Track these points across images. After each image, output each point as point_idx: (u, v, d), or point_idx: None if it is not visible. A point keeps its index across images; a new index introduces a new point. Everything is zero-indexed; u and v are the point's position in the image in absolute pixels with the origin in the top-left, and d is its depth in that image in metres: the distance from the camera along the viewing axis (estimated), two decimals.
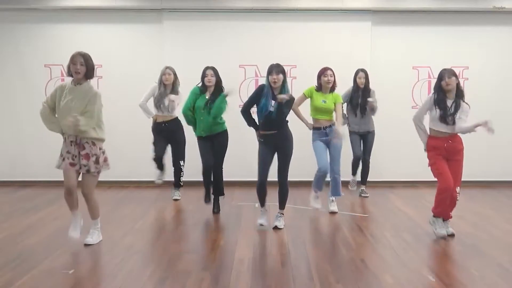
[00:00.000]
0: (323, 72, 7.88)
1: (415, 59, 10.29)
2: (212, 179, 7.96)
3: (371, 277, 5.29)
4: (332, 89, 7.91)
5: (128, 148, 10.18)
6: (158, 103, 8.67)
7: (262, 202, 7.19)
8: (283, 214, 7.23)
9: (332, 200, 8.12)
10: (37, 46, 10.32)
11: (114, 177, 10.06)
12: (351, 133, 9.20)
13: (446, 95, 6.56)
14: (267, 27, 10.37)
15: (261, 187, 7.07)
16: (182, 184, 9.00)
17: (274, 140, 6.98)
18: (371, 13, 10.30)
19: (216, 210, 8.02)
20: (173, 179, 8.97)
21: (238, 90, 10.04)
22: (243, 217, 7.77)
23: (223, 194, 8.16)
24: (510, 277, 5.27)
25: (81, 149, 6.03)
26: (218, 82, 7.81)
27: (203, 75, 7.79)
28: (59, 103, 5.99)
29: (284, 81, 6.95)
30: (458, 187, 6.67)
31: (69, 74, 6.01)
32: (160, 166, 8.83)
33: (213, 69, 7.82)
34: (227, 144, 7.94)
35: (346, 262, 5.76)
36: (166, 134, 8.75)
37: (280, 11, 10.35)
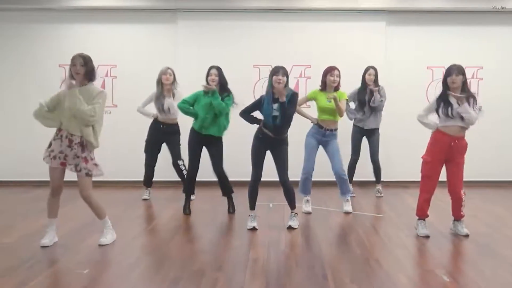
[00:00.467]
0: (329, 71, 7.81)
1: (429, 59, 10.25)
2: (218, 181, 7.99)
3: (385, 277, 5.27)
4: (336, 89, 7.84)
5: (142, 149, 10.20)
6: (157, 105, 8.65)
7: (253, 204, 7.17)
8: (296, 213, 7.21)
9: (347, 199, 8.08)
10: (51, 46, 10.39)
11: (128, 177, 10.18)
12: (355, 130, 9.20)
13: (451, 92, 6.56)
14: (281, 27, 10.39)
15: (255, 185, 7.06)
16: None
17: (271, 141, 6.96)
18: (385, 13, 10.30)
19: (232, 210, 8.02)
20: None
21: (253, 90, 10.07)
22: (257, 218, 7.65)
23: (233, 192, 8.11)
24: None
25: (82, 152, 6.01)
26: (223, 83, 7.67)
27: (207, 74, 7.69)
28: (63, 104, 5.98)
29: (286, 85, 6.78)
30: (463, 190, 6.68)
31: (71, 76, 6.01)
32: (149, 178, 9.08)
33: (218, 69, 7.71)
34: (222, 150, 7.84)
35: (360, 262, 5.75)
36: (161, 136, 8.86)
37: (294, 11, 10.37)
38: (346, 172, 8.15)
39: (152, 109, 8.87)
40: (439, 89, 10.09)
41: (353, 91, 9.02)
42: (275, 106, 6.75)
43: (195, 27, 10.39)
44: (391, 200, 8.97)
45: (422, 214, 6.79)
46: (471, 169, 9.85)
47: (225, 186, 8.02)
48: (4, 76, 10.55)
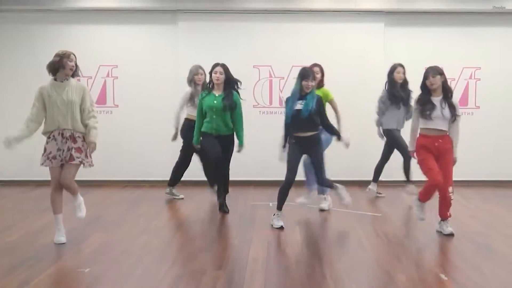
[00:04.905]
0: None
1: (427, 59, 10.00)
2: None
3: (384, 276, 5.32)
4: (320, 86, 7.83)
5: (143, 148, 10.29)
6: (190, 102, 8.53)
7: (281, 205, 7.15)
8: (328, 196, 7.72)
9: (325, 198, 8.07)
10: (53, 47, 10.23)
11: (130, 177, 10.25)
12: (389, 131, 8.91)
13: (432, 94, 6.57)
14: (281, 28, 10.43)
15: (287, 187, 7.04)
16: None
17: (305, 144, 7.06)
18: (384, 14, 10.34)
19: (227, 209, 7.92)
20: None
21: (253, 90, 10.14)
22: (257, 216, 7.79)
23: (228, 192, 8.05)
24: None
25: (74, 143, 6.25)
26: (229, 78, 7.60)
27: (211, 72, 7.63)
28: (50, 100, 6.30)
29: (314, 88, 7.09)
30: (451, 187, 6.63)
31: (55, 70, 6.34)
32: (177, 179, 8.83)
33: (223, 65, 7.63)
34: (233, 147, 7.79)
35: (360, 261, 5.81)
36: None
37: (294, 12, 10.40)
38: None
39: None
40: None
41: (382, 96, 8.91)
42: (301, 101, 6.95)
43: (195, 28, 10.43)
44: (390, 200, 9.00)
45: (424, 199, 6.73)
46: (470, 169, 10.03)
47: (225, 186, 7.97)
48: (4, 77, 10.59)
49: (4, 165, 10.55)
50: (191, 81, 8.54)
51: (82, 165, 6.32)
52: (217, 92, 7.62)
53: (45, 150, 6.35)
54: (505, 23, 10.45)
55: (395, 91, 8.79)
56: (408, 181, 8.93)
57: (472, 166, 10.17)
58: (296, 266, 5.62)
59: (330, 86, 8.15)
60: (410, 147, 6.96)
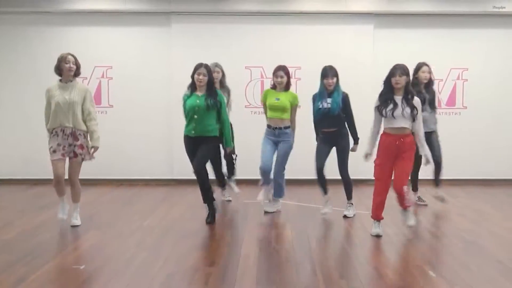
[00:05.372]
0: (274, 72, 7.82)
1: (415, 60, 10.16)
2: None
3: (373, 273, 5.38)
4: (287, 88, 7.80)
5: (137, 148, 10.42)
6: None
7: (324, 189, 7.76)
8: (352, 204, 7.77)
9: (271, 200, 8.03)
10: (49, 48, 10.47)
11: (124, 176, 10.37)
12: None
13: (394, 92, 6.51)
14: (273, 30, 10.54)
15: (319, 174, 7.62)
16: (234, 174, 8.84)
17: (332, 138, 7.59)
18: (373, 16, 10.47)
19: (211, 219, 7.38)
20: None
21: (244, 90, 10.30)
22: (249, 215, 7.87)
23: (214, 199, 7.48)
24: (509, 273, 5.35)
25: (76, 140, 6.87)
26: (212, 80, 7.27)
27: (194, 73, 7.23)
28: (53, 99, 6.83)
29: (337, 83, 7.53)
30: (405, 187, 6.51)
31: (59, 73, 6.95)
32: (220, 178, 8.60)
33: (206, 67, 7.26)
34: (214, 151, 7.50)
35: (349, 258, 5.87)
36: None
37: (285, 14, 10.52)
38: (283, 177, 7.86)
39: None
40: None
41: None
42: (329, 100, 7.46)
43: (188, 30, 10.54)
44: None
45: (376, 217, 6.72)
46: (458, 168, 10.24)
47: (207, 193, 7.44)
48: (2, 77, 10.69)
49: (0, 164, 10.67)
50: None
51: (83, 160, 6.94)
52: (199, 93, 7.27)
53: (49, 145, 6.93)
54: (492, 25, 10.59)
55: (418, 91, 8.03)
56: (436, 185, 8.49)
57: (460, 165, 10.37)
58: (286, 263, 5.66)
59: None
60: (369, 150, 6.82)
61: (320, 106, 7.48)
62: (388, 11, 10.44)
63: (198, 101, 7.19)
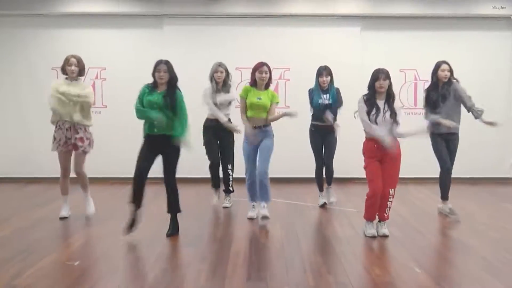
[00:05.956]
0: (257, 68, 7.43)
1: (402, 62, 10.55)
2: (142, 192, 6.94)
3: (361, 269, 5.51)
4: (267, 86, 7.44)
5: (130, 146, 10.41)
6: (212, 100, 8.22)
7: (321, 187, 8.42)
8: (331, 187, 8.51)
9: (264, 206, 7.34)
10: (44, 50, 10.68)
11: (117, 174, 10.50)
12: (434, 136, 7.83)
13: (376, 96, 6.53)
14: (263, 32, 10.73)
15: (319, 171, 8.35)
16: (232, 189, 8.50)
17: (323, 131, 8.13)
18: (360, 19, 10.68)
19: (171, 231, 6.77)
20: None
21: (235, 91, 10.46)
22: (239, 212, 7.97)
23: (180, 211, 6.92)
24: (493, 269, 5.42)
25: (76, 133, 7.40)
26: (172, 77, 6.76)
27: (154, 70, 6.75)
28: (56, 94, 7.37)
29: (331, 81, 8.15)
30: (392, 189, 6.52)
31: (64, 73, 7.54)
32: (216, 179, 8.45)
33: (167, 63, 6.78)
34: (179, 153, 6.82)
35: (337, 255, 5.94)
36: (216, 133, 8.30)
37: (275, 17, 10.73)
38: (268, 177, 7.30)
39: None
40: (411, 90, 10.64)
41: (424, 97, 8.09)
42: (326, 96, 8.08)
43: (180, 32, 10.74)
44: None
45: (369, 218, 6.71)
46: None
47: (174, 203, 6.98)
48: None
49: None
50: (212, 78, 8.37)
51: (85, 153, 7.48)
52: (159, 89, 6.77)
53: (54, 138, 7.46)
54: (476, 27, 10.81)
55: (434, 94, 7.81)
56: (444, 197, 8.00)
57: None
58: (276, 259, 5.77)
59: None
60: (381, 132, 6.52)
61: (321, 102, 8.02)
62: (375, 13, 10.64)
63: (156, 98, 6.68)
